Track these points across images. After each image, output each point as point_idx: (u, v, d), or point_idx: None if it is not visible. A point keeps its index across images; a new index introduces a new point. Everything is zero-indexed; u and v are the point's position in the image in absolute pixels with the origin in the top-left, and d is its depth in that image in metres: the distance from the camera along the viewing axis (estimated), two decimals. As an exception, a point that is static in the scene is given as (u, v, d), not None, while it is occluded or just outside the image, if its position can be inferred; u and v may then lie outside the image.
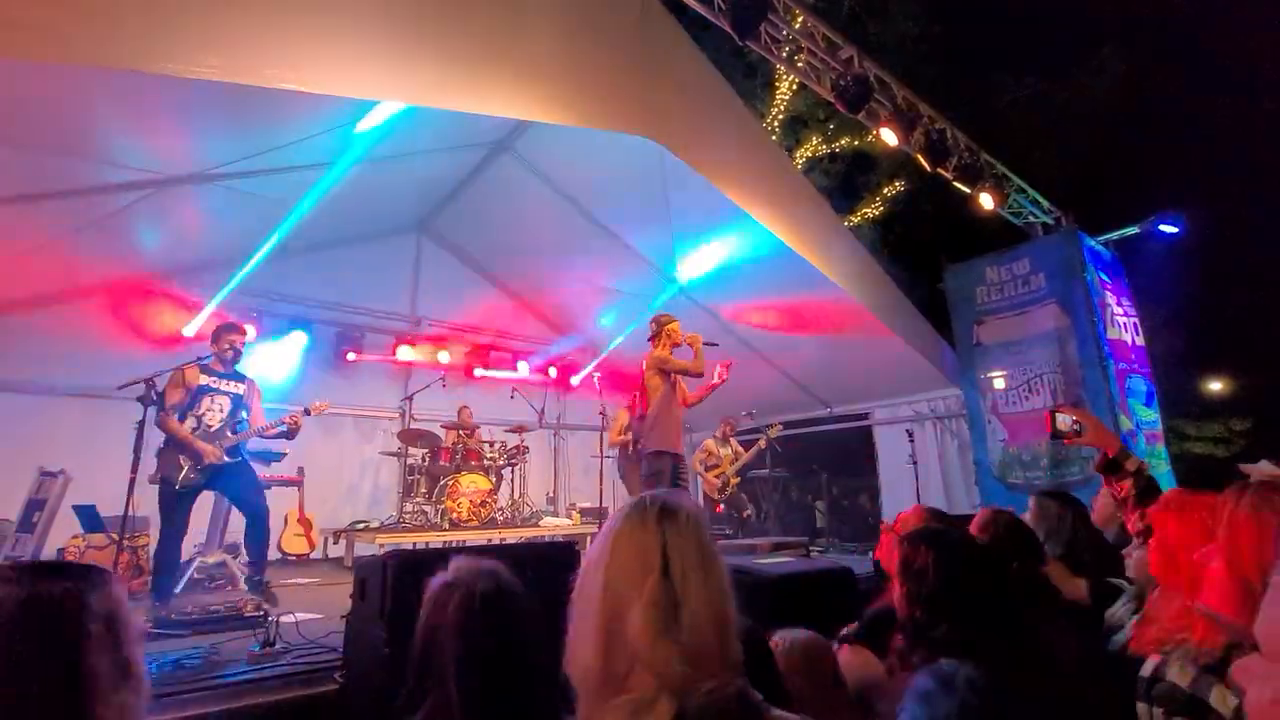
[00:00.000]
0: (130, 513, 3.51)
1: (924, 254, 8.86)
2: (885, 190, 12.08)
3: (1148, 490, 1.64)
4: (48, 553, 4.56)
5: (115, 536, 3.88)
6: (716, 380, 4.49)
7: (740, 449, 6.92)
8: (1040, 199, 6.60)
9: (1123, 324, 6.45)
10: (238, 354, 4.05)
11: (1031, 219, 6.74)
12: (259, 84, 3.46)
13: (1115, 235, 7.04)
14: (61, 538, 4.57)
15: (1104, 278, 6.46)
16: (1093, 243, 6.59)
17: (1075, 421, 1.86)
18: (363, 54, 3.48)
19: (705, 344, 4.38)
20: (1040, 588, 1.49)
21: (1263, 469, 2.14)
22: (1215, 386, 13.92)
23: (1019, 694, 1.08)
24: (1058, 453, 5.85)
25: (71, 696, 0.59)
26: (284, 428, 4.13)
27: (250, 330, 6.14)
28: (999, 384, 6.47)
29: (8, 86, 3.24)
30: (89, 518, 4.59)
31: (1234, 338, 12.61)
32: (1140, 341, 6.65)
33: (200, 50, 3.01)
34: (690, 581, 0.76)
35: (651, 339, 4.49)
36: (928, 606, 1.27)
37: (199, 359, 3.98)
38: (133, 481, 3.35)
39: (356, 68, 3.48)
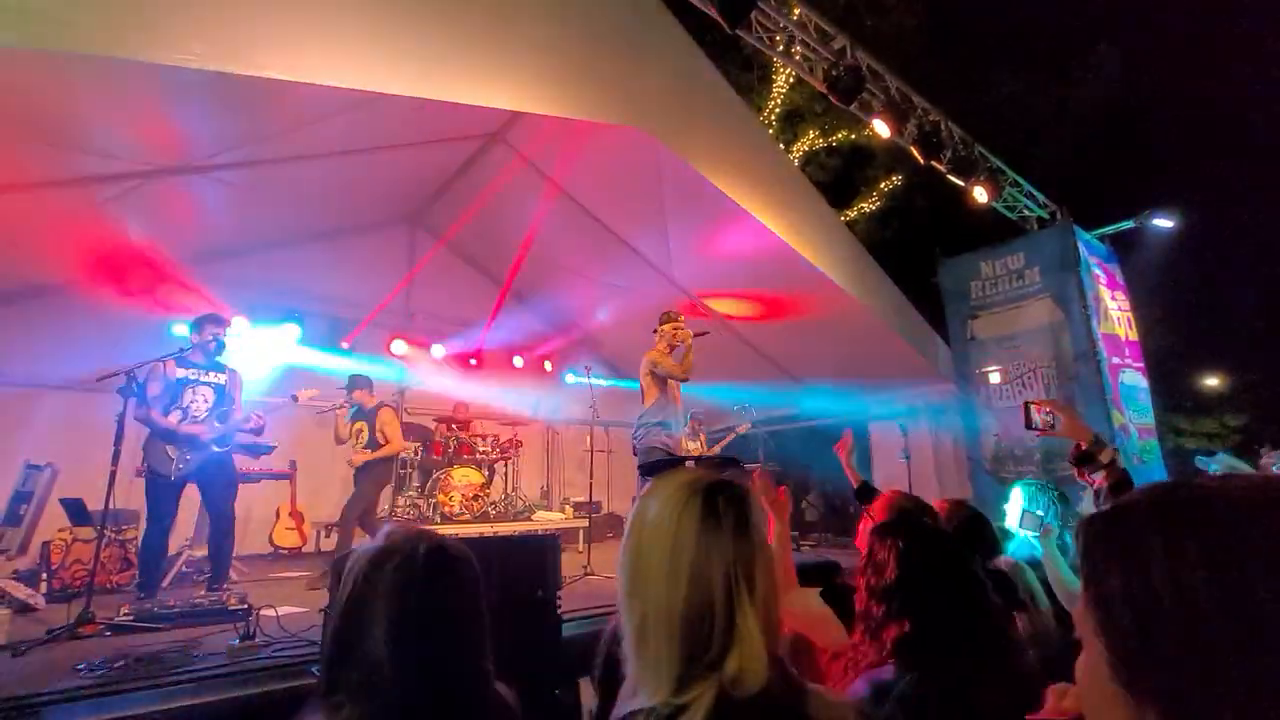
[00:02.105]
0: (115, 506, 3.49)
1: (919, 248, 8.84)
2: (882, 184, 12.05)
3: (1121, 482, 1.63)
4: (34, 546, 4.54)
5: (101, 528, 3.87)
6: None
7: (706, 445, 6.96)
8: (1035, 193, 6.57)
9: (1117, 318, 6.43)
10: (220, 345, 4.01)
11: (1026, 213, 6.71)
12: (245, 72, 3.42)
13: (1111, 229, 7.02)
14: (49, 531, 4.55)
15: (1099, 272, 6.44)
16: (1088, 237, 6.57)
17: (1049, 413, 1.85)
18: (351, 44, 3.45)
19: (696, 335, 4.44)
20: (999, 584, 1.47)
21: (1221, 461, 2.13)
22: (1211, 382, 13.93)
23: (964, 705, 1.06)
24: (1050, 447, 5.84)
25: None
26: (251, 427, 4.10)
27: (242, 322, 6.13)
28: (994, 378, 6.46)
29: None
30: (76, 511, 4.56)
31: (1229, 333, 12.62)
32: (1134, 336, 6.63)
33: (185, 37, 2.97)
34: (759, 586, 0.79)
35: (655, 332, 4.51)
36: (885, 602, 1.23)
37: (179, 350, 3.95)
38: (113, 474, 3.32)
39: (344, 57, 3.44)
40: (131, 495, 4.30)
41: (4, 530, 4.25)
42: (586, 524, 5.82)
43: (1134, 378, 6.37)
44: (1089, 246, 6.48)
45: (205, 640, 2.74)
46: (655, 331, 4.54)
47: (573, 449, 8.86)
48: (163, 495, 3.75)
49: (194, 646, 2.61)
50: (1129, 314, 6.70)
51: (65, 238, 4.73)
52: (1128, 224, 6.97)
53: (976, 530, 1.77)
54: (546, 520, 6.86)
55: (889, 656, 1.19)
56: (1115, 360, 6.08)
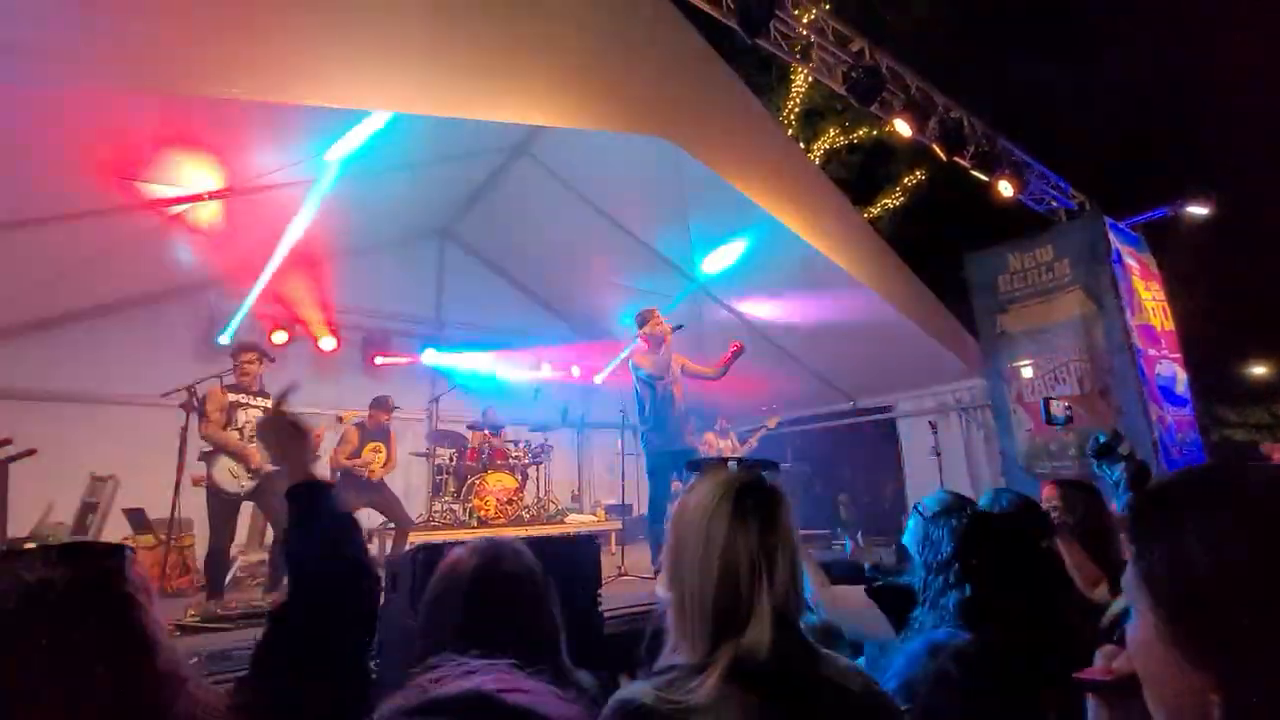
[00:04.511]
0: (177, 515, 3.70)
1: (946, 243, 8.76)
2: (905, 180, 11.95)
3: (1140, 474, 1.66)
4: (101, 554, 4.81)
5: (162, 537, 4.10)
6: (729, 353, 4.45)
7: (737, 443, 6.97)
8: (1062, 184, 6.49)
9: (1152, 309, 6.31)
10: (250, 376, 4.21)
11: (1054, 204, 6.63)
12: (288, 101, 3.63)
13: (1144, 218, 6.89)
14: (113, 539, 4.81)
15: (1132, 262, 6.33)
16: (1119, 226, 6.47)
17: (1067, 408, 1.89)
18: (384, 70, 3.62)
19: (674, 328, 4.44)
20: (1053, 564, 1.55)
21: None
22: (1258, 371, 13.48)
23: (1016, 665, 1.13)
24: (1085, 442, 5.76)
25: (134, 656, 0.68)
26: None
27: (283, 335, 6.39)
28: (1026, 373, 6.39)
29: (52, 113, 3.44)
30: (138, 520, 4.83)
31: (1276, 319, 12.18)
32: (1170, 327, 6.50)
33: (233, 72, 3.17)
34: (779, 575, 0.90)
35: (636, 336, 4.59)
36: (941, 575, 1.34)
37: (221, 379, 4.18)
38: (178, 485, 3.53)
39: (379, 83, 3.62)
40: (186, 504, 4.54)
41: (74, 539, 4.52)
42: (620, 526, 5.92)
43: (1171, 369, 6.24)
44: (1121, 236, 6.37)
45: (266, 640, 2.91)
46: (636, 336, 4.56)
47: (602, 452, 8.97)
48: (225, 510, 3.96)
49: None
50: (1164, 304, 6.57)
51: (124, 260, 5.00)
52: (1161, 212, 6.84)
53: (1028, 513, 1.83)
54: (579, 523, 6.97)
55: (947, 621, 1.28)
56: (1151, 352, 5.97)
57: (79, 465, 4.87)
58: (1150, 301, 6.35)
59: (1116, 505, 1.73)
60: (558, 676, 1.14)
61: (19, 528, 4.55)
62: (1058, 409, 1.90)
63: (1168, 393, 6.02)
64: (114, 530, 4.88)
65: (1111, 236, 6.09)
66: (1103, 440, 1.76)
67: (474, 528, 6.13)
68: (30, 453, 4.26)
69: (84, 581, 0.67)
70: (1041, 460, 6.16)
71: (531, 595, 1.21)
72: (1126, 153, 11.41)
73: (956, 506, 1.45)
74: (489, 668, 0.54)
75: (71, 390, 5.43)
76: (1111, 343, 5.80)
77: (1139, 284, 6.26)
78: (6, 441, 4.18)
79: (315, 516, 1.10)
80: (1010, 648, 1.15)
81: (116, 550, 0.75)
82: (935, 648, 1.14)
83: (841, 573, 3.58)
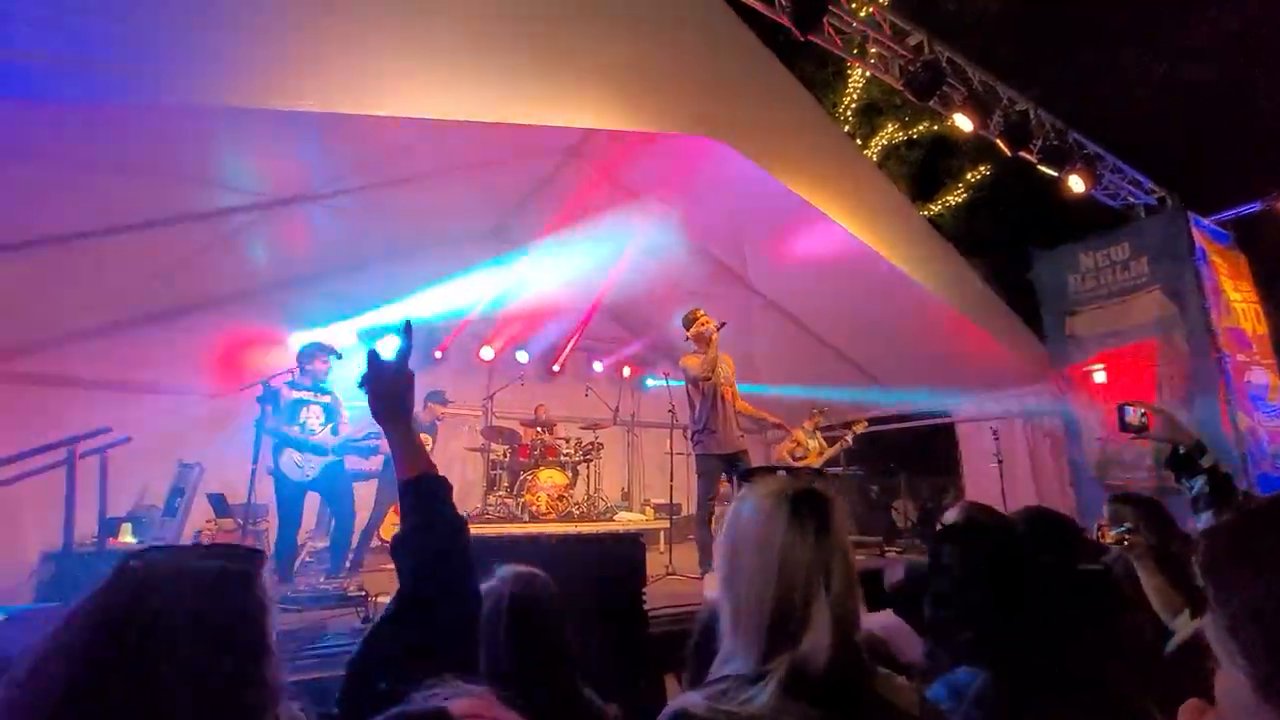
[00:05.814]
0: (253, 500, 3.97)
1: (1012, 242, 8.37)
2: (969, 175, 11.47)
3: (1221, 489, 1.54)
4: (186, 536, 5.19)
5: (240, 522, 4.39)
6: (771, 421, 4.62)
7: (825, 443, 6.82)
8: (1140, 178, 6.11)
9: (1241, 311, 5.87)
10: (326, 380, 4.45)
11: (1130, 200, 6.25)
12: (355, 112, 3.82)
13: (1233, 213, 6.41)
14: (198, 522, 5.19)
15: (1219, 260, 5.91)
16: (1205, 222, 6.04)
17: (1143, 414, 1.76)
18: (443, 78, 3.76)
19: (718, 326, 4.44)
20: (1087, 588, 1.41)
21: None
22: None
23: (1036, 705, 1.07)
24: (1163, 452, 5.41)
25: (253, 655, 0.70)
26: (375, 435, 4.52)
27: (350, 338, 6.70)
28: (1098, 378, 6.06)
29: (147, 126, 3.73)
30: (219, 505, 5.18)
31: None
32: (1263, 330, 6.03)
33: (303, 84, 3.37)
34: (835, 583, 0.90)
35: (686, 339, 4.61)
36: (951, 607, 1.24)
37: (289, 377, 4.44)
38: (254, 472, 3.77)
39: (438, 91, 3.76)
40: (262, 490, 4.84)
41: (164, 521, 4.89)
42: (668, 525, 5.94)
43: (1263, 376, 5.79)
44: (1207, 232, 5.95)
45: (330, 622, 3.08)
46: (686, 339, 4.57)
47: (652, 451, 9.01)
48: (291, 498, 4.22)
49: (322, 627, 2.95)
50: (1257, 306, 6.10)
51: (210, 262, 5.36)
52: (1254, 206, 6.34)
53: (1052, 532, 1.70)
54: (628, 521, 7.04)
55: (959, 658, 1.22)
56: (1240, 357, 5.56)
57: (168, 453, 5.26)
58: (1240, 303, 5.91)
59: (1196, 522, 1.61)
60: (567, 699, 1.21)
61: (116, 509, 4.96)
62: (1133, 416, 1.76)
63: (1259, 401, 5.60)
64: (199, 513, 5.26)
65: (1195, 233, 5.71)
66: (1182, 451, 1.63)
67: (526, 522, 6.29)
68: (126, 440, 4.64)
69: (231, 575, 0.73)
70: (1114, 471, 5.84)
71: (545, 624, 1.28)
72: (1214, 142, 10.58)
73: (971, 525, 1.29)
74: (469, 692, 0.57)
75: (163, 382, 5.85)
76: (1194, 347, 5.44)
77: (1227, 284, 5.84)
78: (106, 429, 4.56)
79: (438, 514, 1.07)
80: (1030, 687, 1.08)
81: (258, 553, 0.80)
82: (957, 692, 1.10)
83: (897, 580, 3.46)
